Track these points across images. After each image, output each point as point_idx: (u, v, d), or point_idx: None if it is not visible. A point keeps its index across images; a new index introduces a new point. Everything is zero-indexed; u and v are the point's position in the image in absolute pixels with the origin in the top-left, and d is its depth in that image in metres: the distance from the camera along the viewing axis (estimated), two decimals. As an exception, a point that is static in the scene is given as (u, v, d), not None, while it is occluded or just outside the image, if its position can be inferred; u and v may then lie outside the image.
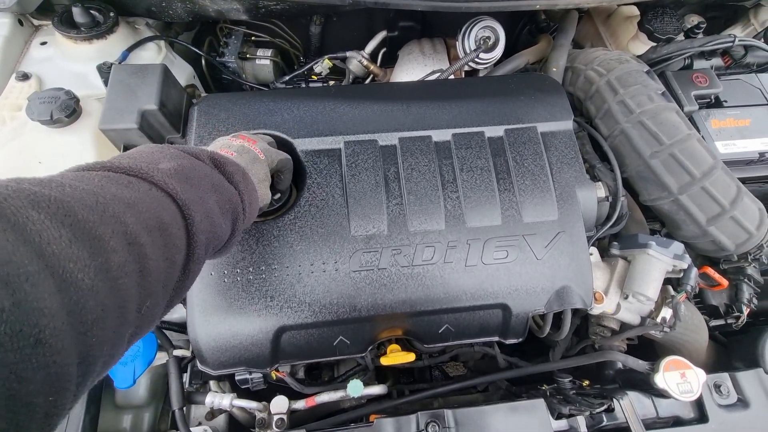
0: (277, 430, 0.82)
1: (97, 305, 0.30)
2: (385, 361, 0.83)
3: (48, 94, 0.83)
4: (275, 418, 0.83)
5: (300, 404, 0.85)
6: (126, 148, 0.84)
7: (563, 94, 0.92)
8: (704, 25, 1.06)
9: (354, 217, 0.77)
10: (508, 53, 1.10)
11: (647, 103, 0.88)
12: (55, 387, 0.26)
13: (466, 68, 1.09)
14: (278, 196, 0.75)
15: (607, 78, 0.93)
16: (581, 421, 0.75)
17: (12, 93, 0.90)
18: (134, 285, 0.35)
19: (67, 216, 0.30)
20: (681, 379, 0.73)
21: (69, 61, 0.96)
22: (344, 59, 1.21)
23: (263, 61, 1.26)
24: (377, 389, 0.87)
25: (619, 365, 0.86)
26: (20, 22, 1.00)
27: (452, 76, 1.04)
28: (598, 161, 0.92)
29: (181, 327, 0.88)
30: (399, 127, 0.85)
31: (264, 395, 0.86)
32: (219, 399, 0.85)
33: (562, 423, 0.75)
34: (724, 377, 0.78)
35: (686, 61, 1.06)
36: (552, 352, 0.94)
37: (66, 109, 0.82)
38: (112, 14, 0.98)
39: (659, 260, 0.79)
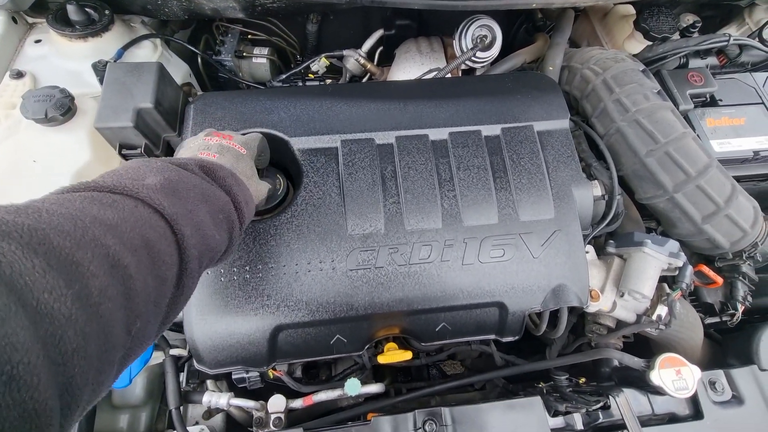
0: (274, 429, 0.82)
1: (76, 334, 0.29)
2: (382, 359, 0.83)
3: (43, 92, 0.82)
4: (273, 417, 0.83)
5: (297, 403, 0.85)
6: (122, 147, 0.83)
7: (560, 93, 0.92)
8: (699, 24, 1.07)
9: (351, 215, 0.77)
10: (504, 52, 1.10)
11: (643, 101, 0.88)
12: (34, 423, 0.25)
13: (463, 67, 1.09)
14: (270, 189, 0.74)
15: (603, 77, 0.94)
16: (578, 419, 0.76)
17: (6, 91, 0.89)
18: (119, 308, 0.34)
19: (41, 244, 0.30)
20: (676, 376, 0.73)
21: (64, 59, 0.95)
22: (341, 58, 1.21)
23: (260, 60, 1.26)
24: (375, 388, 0.87)
25: (615, 363, 0.86)
26: (14, 20, 0.99)
27: (449, 75, 1.04)
28: (594, 160, 0.92)
29: (177, 326, 0.88)
30: (396, 126, 0.85)
31: (261, 394, 0.86)
32: (216, 398, 0.85)
33: (559, 420, 0.75)
34: (718, 374, 0.79)
35: (682, 60, 1.07)
36: (548, 350, 0.94)
37: (61, 108, 0.81)
38: (107, 12, 0.97)
39: (655, 258, 0.80)
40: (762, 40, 1.10)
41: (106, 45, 0.96)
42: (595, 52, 1.00)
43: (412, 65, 1.13)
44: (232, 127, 0.83)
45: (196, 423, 0.94)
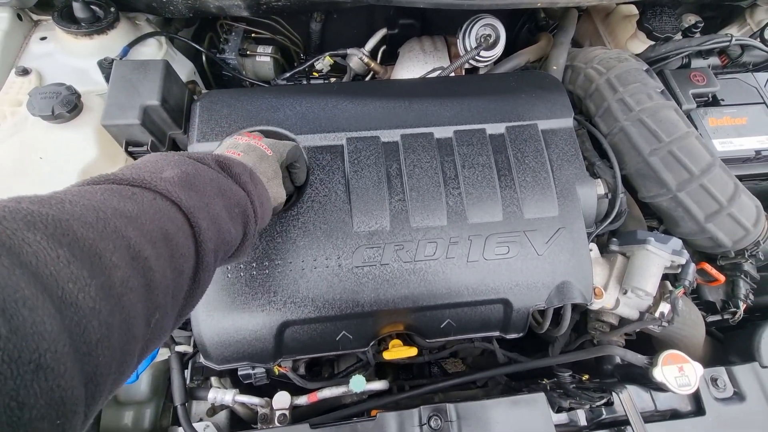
0: (279, 425, 0.82)
1: (100, 324, 0.29)
2: (387, 355, 0.83)
3: (49, 89, 0.82)
4: (277, 413, 0.83)
5: (302, 400, 0.85)
6: (128, 144, 0.84)
7: (564, 92, 0.92)
8: (701, 25, 1.07)
9: (356, 213, 0.78)
10: (507, 52, 1.10)
11: (646, 101, 0.89)
12: (60, 411, 0.26)
13: (467, 66, 1.10)
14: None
15: (607, 76, 0.94)
16: (581, 415, 0.76)
17: (12, 88, 0.90)
18: (140, 299, 0.34)
19: (65, 235, 0.30)
20: (679, 373, 0.74)
21: (69, 56, 0.96)
22: (345, 56, 1.21)
23: (263, 58, 1.26)
24: (379, 385, 0.88)
25: (618, 360, 0.87)
26: (19, 17, 1.00)
27: (453, 74, 1.04)
28: (597, 158, 0.93)
29: (183, 323, 0.88)
30: (401, 124, 0.85)
31: (265, 391, 0.87)
32: (221, 395, 0.85)
33: (563, 416, 0.76)
34: (720, 371, 0.79)
35: (684, 59, 1.07)
36: (551, 348, 0.95)
37: (67, 105, 0.81)
38: (112, 10, 0.97)
39: (658, 256, 0.80)
40: (763, 41, 1.11)
41: (112, 42, 0.96)
42: (599, 52, 1.01)
43: (415, 64, 1.14)
44: (239, 124, 0.83)
45: (201, 420, 0.94)
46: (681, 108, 0.95)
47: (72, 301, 0.28)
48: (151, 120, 0.82)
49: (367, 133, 0.84)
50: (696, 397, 0.77)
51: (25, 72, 0.92)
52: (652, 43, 1.10)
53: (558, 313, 0.84)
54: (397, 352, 0.83)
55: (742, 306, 0.88)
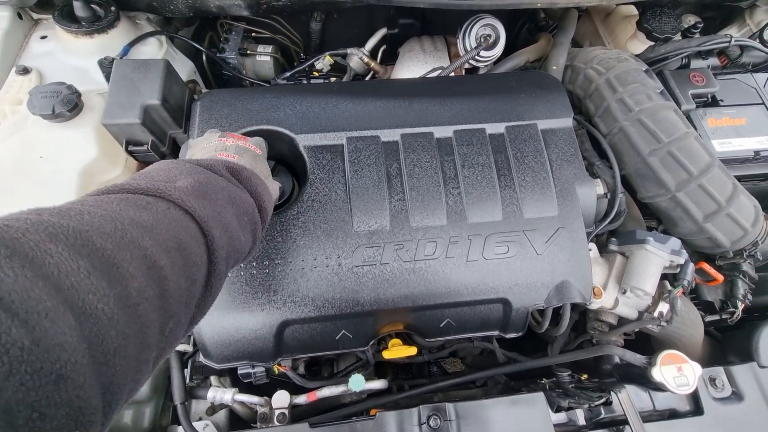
0: (278, 424, 0.82)
1: (117, 334, 0.30)
2: (387, 354, 0.83)
3: (50, 88, 0.82)
4: (277, 412, 0.83)
5: (301, 399, 0.85)
6: (128, 143, 0.84)
7: (563, 92, 0.93)
8: (701, 25, 1.08)
9: (356, 212, 0.78)
10: (506, 52, 1.10)
11: (646, 101, 0.89)
12: (80, 420, 0.26)
13: (467, 66, 1.10)
14: (281, 189, 0.75)
15: (607, 76, 0.95)
16: (580, 414, 0.77)
17: (12, 87, 0.90)
18: (155, 309, 0.35)
19: (85, 246, 0.30)
20: (677, 373, 0.74)
21: (69, 55, 0.96)
22: (345, 56, 1.21)
23: (263, 58, 1.26)
24: (378, 384, 0.88)
25: (617, 359, 0.87)
26: (19, 16, 1.00)
27: (452, 74, 1.05)
28: (597, 158, 0.93)
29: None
30: (401, 124, 0.85)
31: (264, 390, 0.87)
32: (221, 394, 0.85)
33: (562, 416, 0.76)
34: (719, 371, 0.80)
35: (683, 60, 1.08)
36: (550, 348, 0.95)
37: (68, 104, 0.81)
38: (113, 9, 0.97)
39: (657, 255, 0.80)
40: (763, 41, 1.11)
41: (112, 42, 0.96)
42: (599, 52, 1.01)
43: (415, 64, 1.14)
44: (239, 123, 0.83)
45: (200, 419, 0.95)
46: (680, 108, 0.95)
47: (91, 312, 0.28)
48: (152, 119, 0.82)
49: (367, 132, 0.84)
50: (694, 397, 0.78)
51: (25, 71, 0.92)
52: (652, 43, 1.10)
53: (557, 313, 0.84)
54: (397, 351, 0.83)
55: (741, 306, 0.88)
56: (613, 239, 0.88)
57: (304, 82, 1.26)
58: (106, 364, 0.29)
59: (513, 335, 0.83)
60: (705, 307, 0.94)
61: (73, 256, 0.29)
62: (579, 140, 0.93)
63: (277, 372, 0.86)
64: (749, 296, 0.89)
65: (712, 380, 0.78)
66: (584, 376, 0.87)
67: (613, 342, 0.86)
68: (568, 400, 0.76)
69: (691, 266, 0.82)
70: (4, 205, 0.76)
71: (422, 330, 0.81)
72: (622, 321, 0.87)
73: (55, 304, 0.26)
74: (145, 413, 0.97)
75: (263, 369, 0.84)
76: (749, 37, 1.14)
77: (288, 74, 1.23)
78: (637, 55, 1.05)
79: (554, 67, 1.03)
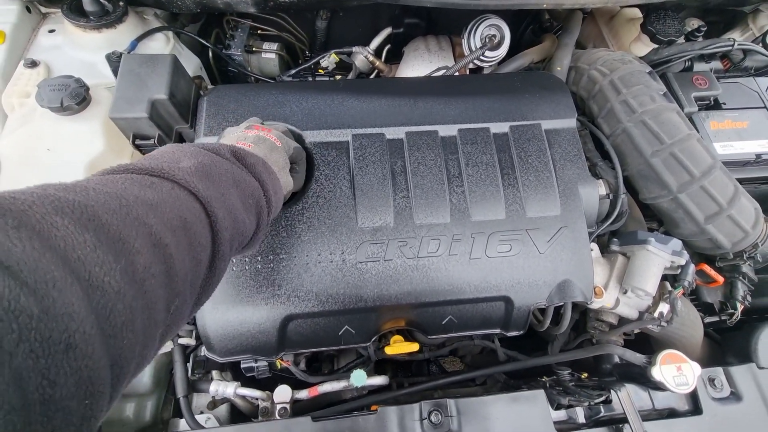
0: (279, 418, 0.83)
1: (125, 308, 0.30)
2: (389, 350, 0.84)
3: (58, 81, 0.83)
4: (278, 407, 0.84)
5: (303, 394, 0.86)
6: (135, 137, 0.84)
7: (567, 93, 0.93)
8: (704, 29, 1.08)
9: (361, 209, 0.79)
10: (511, 52, 1.11)
11: (649, 103, 0.90)
12: (89, 391, 0.26)
13: (471, 66, 1.11)
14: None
15: (611, 78, 0.95)
16: (580, 412, 0.77)
17: (20, 80, 0.90)
18: (161, 285, 0.35)
19: (91, 220, 0.31)
20: (677, 373, 0.75)
21: (78, 49, 0.96)
22: (350, 54, 1.22)
23: (269, 55, 1.27)
24: (380, 380, 0.89)
25: (617, 359, 0.88)
26: (28, 10, 1.00)
27: (457, 74, 1.05)
28: (599, 159, 0.94)
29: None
30: (406, 122, 0.86)
31: (266, 385, 0.88)
32: (223, 387, 0.86)
33: (562, 413, 0.77)
34: (718, 371, 0.80)
35: (687, 63, 1.08)
36: (551, 346, 0.95)
37: (76, 97, 0.82)
38: (121, 3, 0.98)
39: (658, 256, 0.81)
40: (765, 46, 1.12)
41: (120, 36, 0.97)
42: (603, 54, 1.02)
43: (420, 63, 1.15)
44: (245, 119, 0.84)
45: (201, 412, 0.95)
46: (683, 110, 0.96)
47: (98, 285, 0.28)
48: (159, 114, 0.83)
49: (373, 130, 0.85)
50: (693, 397, 0.78)
51: (33, 64, 0.92)
52: (656, 46, 1.11)
53: (558, 312, 0.85)
54: (399, 347, 0.84)
55: (740, 307, 0.89)
56: (615, 239, 0.88)
57: (309, 79, 1.26)
58: (114, 336, 0.29)
59: (514, 333, 0.83)
60: (705, 308, 0.95)
61: (79, 230, 0.29)
62: (582, 141, 0.93)
63: (279, 367, 0.86)
64: (748, 298, 0.90)
65: (711, 380, 0.79)
66: (584, 375, 0.87)
67: (613, 341, 0.87)
68: (568, 397, 0.77)
69: (692, 267, 0.83)
70: (12, 197, 0.76)
71: (424, 327, 0.81)
72: (623, 321, 0.88)
73: (63, 275, 0.26)
74: (147, 406, 0.97)
75: (266, 363, 0.85)
76: (752, 42, 1.14)
77: (293, 71, 1.24)
78: (640, 58, 1.06)
79: (558, 68, 1.04)
